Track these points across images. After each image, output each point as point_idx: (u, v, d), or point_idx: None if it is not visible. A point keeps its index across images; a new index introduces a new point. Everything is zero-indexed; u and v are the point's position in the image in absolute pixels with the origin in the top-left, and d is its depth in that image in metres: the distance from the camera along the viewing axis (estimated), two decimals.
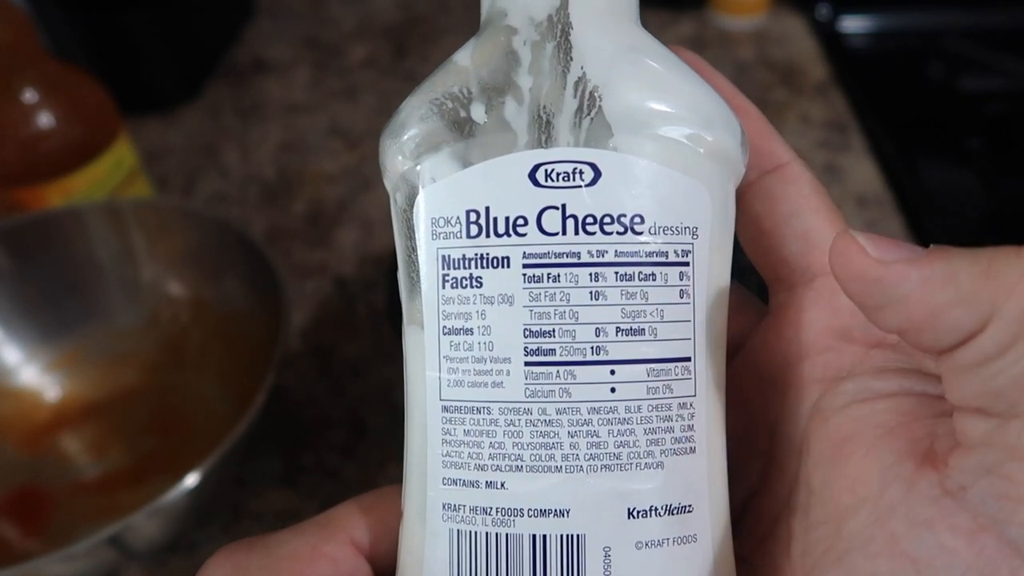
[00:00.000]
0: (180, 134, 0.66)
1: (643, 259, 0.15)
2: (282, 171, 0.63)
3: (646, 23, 0.17)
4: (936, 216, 0.55)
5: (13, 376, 0.45)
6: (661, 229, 0.15)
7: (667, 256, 0.15)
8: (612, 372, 0.15)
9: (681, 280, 0.16)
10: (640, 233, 0.15)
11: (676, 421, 0.16)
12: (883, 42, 0.73)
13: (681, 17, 0.75)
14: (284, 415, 0.46)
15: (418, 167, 0.16)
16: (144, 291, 0.48)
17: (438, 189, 0.16)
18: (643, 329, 0.15)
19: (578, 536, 0.15)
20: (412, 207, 0.16)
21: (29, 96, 0.45)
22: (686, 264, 0.16)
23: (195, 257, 0.47)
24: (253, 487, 0.43)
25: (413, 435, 0.17)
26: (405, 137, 0.16)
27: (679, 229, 0.15)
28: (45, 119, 0.45)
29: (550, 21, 0.16)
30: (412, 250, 0.17)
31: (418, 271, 0.16)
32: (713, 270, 0.16)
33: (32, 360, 0.46)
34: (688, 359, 0.16)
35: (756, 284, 0.21)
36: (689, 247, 0.16)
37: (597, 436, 0.15)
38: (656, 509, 0.15)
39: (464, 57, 0.16)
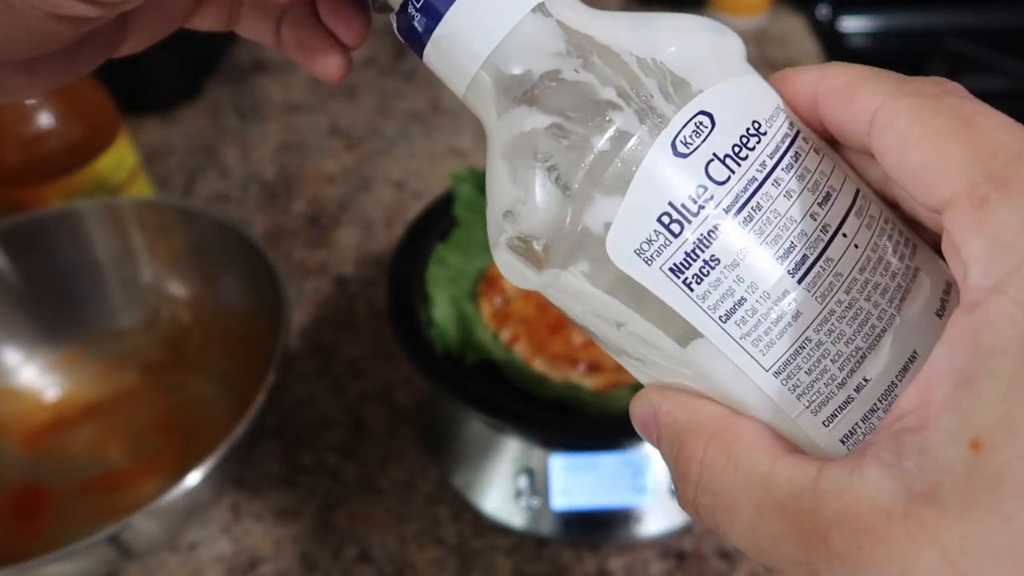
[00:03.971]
0: (180, 134, 0.67)
1: (784, 146, 0.17)
2: (282, 171, 0.63)
3: None
4: None
5: (13, 376, 0.45)
6: (770, 122, 0.17)
7: (792, 135, 0.17)
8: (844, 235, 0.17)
9: (807, 143, 0.17)
10: (766, 133, 0.17)
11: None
12: (883, 42, 0.73)
13: None
14: (284, 415, 0.46)
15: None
16: (144, 291, 0.48)
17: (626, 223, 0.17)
18: (829, 193, 0.17)
19: None
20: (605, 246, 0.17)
21: None
22: (798, 132, 0.17)
23: (195, 257, 0.47)
24: (253, 487, 0.43)
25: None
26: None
27: (775, 115, 0.17)
28: (45, 119, 0.45)
29: (569, 45, 0.17)
30: (645, 300, 0.17)
31: (666, 308, 0.17)
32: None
33: (32, 360, 0.46)
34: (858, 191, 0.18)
35: None
36: (790, 118, 0.17)
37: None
38: None
39: (535, 122, 0.17)
